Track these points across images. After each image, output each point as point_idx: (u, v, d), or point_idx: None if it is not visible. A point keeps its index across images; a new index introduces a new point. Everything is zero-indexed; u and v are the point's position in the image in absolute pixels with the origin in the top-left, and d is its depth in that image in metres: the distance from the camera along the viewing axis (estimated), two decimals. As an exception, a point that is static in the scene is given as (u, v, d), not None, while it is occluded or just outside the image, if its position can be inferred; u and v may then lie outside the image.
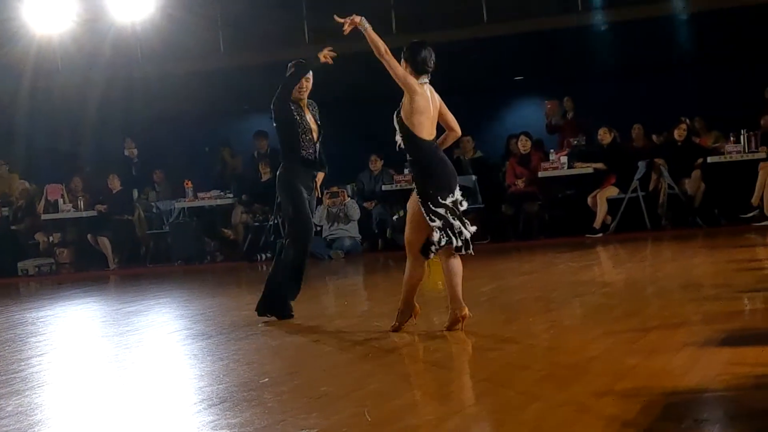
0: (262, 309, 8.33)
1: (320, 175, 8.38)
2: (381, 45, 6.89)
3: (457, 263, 6.97)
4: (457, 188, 7.01)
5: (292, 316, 8.26)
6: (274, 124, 8.32)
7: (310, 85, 8.25)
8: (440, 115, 7.07)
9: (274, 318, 8.24)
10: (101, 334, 9.07)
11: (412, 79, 6.91)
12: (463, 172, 16.30)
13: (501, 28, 17.46)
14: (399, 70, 6.89)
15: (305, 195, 8.18)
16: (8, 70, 17.87)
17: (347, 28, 7.11)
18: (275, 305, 8.30)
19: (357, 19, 7.05)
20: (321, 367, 6.12)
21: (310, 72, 8.18)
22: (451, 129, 7.14)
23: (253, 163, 17.33)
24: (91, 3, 16.20)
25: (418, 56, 6.95)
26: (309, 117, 8.27)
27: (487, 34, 17.46)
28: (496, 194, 16.17)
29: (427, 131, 6.96)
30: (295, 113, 8.20)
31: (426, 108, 6.94)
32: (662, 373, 5.11)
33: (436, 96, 7.06)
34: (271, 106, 8.28)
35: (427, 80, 6.99)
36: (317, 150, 8.27)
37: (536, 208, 15.82)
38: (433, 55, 7.00)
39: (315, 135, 8.26)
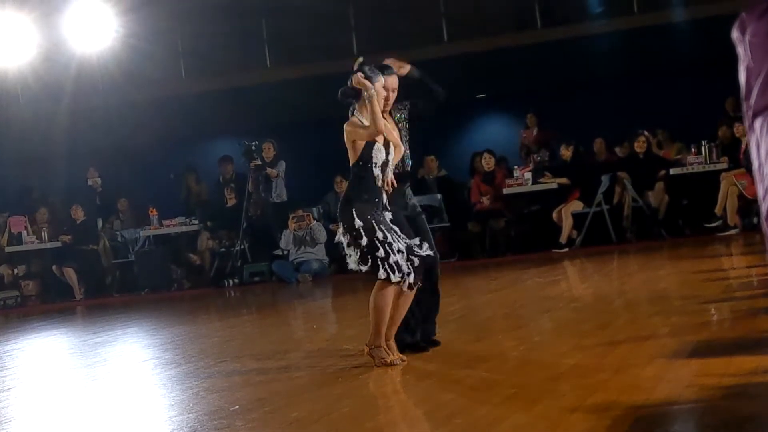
0: None
1: None
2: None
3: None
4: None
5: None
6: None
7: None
8: None
9: None
10: (69, 366, 8.99)
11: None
12: (428, 191, 16.35)
13: (462, 46, 17.55)
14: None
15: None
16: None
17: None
18: None
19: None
20: (291, 393, 6.09)
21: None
22: None
23: (219, 188, 17.30)
24: (50, 34, 16.12)
25: None
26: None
27: (448, 53, 17.54)
28: (462, 212, 16.24)
29: None
30: None
31: None
32: (632, 387, 5.12)
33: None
34: None
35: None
36: None
37: (502, 224, 15.87)
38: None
39: None
